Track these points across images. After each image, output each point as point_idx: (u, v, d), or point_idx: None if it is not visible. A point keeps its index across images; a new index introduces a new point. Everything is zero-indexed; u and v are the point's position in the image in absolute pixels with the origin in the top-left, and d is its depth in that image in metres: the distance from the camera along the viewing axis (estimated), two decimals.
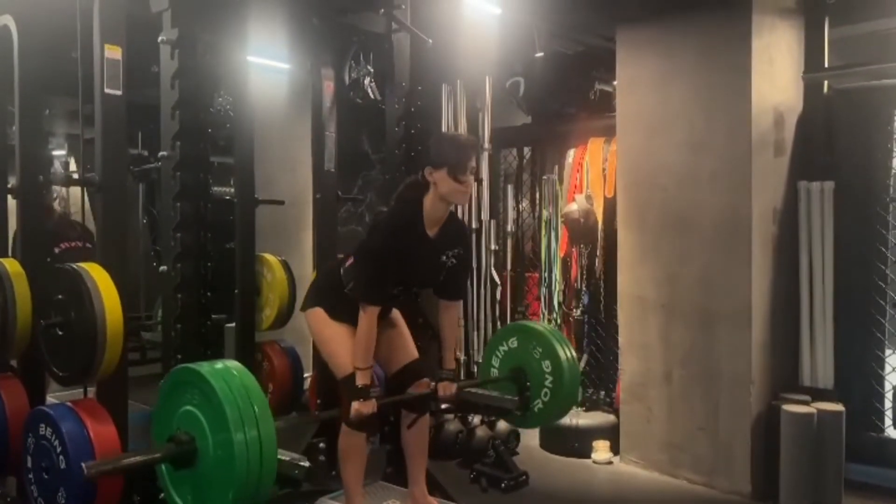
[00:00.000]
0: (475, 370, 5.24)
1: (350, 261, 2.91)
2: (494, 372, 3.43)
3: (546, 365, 3.27)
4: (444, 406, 4.49)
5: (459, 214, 5.13)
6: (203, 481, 2.13)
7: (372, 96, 4.63)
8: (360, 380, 2.75)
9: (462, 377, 5.22)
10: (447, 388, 3.01)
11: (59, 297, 2.81)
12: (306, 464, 2.42)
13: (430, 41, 3.84)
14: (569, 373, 3.26)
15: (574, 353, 3.38)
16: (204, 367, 2.17)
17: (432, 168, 2.75)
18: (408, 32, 3.74)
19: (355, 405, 2.73)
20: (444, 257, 2.89)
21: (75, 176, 6.42)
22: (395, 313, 3.11)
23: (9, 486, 3.26)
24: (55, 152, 7.78)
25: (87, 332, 2.69)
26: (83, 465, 2.06)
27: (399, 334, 3.09)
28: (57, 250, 4.38)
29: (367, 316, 2.74)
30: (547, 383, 3.26)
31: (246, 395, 2.09)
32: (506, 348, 3.42)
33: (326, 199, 3.92)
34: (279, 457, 2.59)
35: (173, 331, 2.97)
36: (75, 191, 6.63)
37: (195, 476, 2.14)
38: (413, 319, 3.25)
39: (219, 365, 2.20)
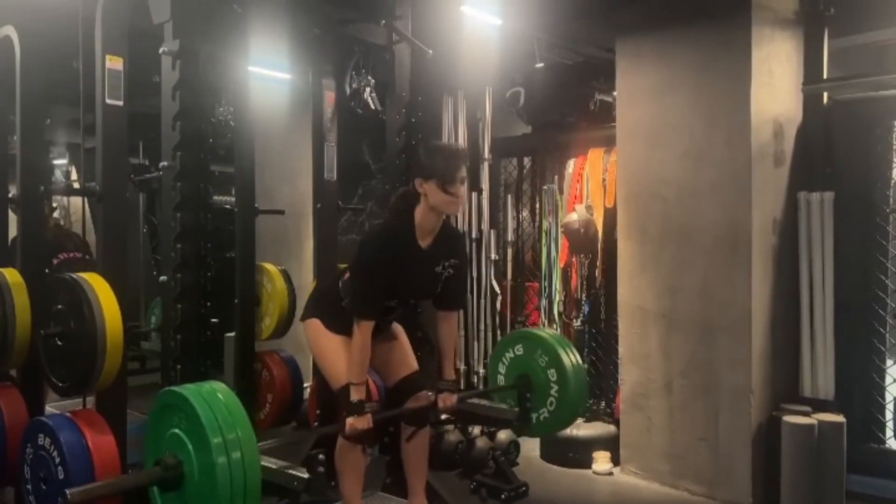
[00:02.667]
0: (475, 380, 5.23)
1: (347, 275, 2.91)
2: (501, 379, 3.43)
3: (552, 374, 3.26)
4: (443, 417, 4.50)
5: (460, 224, 5.15)
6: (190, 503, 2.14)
7: (373, 107, 4.65)
8: (355, 395, 2.73)
9: (462, 387, 5.21)
10: (447, 400, 3.00)
11: (59, 307, 2.81)
12: (305, 475, 2.42)
13: (431, 52, 3.85)
14: (574, 381, 3.26)
15: (580, 360, 3.38)
16: (188, 390, 2.18)
17: (422, 179, 2.74)
18: (408, 43, 3.75)
19: (350, 420, 2.72)
20: (440, 268, 2.88)
21: (76, 185, 6.46)
22: (396, 326, 3.10)
23: (7, 496, 3.25)
24: (56, 161, 7.81)
25: (87, 342, 2.69)
26: (66, 491, 2.04)
27: (399, 346, 3.08)
28: (55, 261, 4.38)
29: (361, 331, 2.72)
30: (552, 392, 3.26)
31: (229, 418, 2.10)
32: (512, 355, 3.42)
33: (327, 208, 3.92)
34: (277, 467, 2.60)
35: (173, 341, 2.97)
36: (76, 200, 6.66)
37: (182, 499, 2.15)
38: (412, 333, 3.24)
39: (204, 387, 2.21)
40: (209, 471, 2.06)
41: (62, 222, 6.74)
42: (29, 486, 2.78)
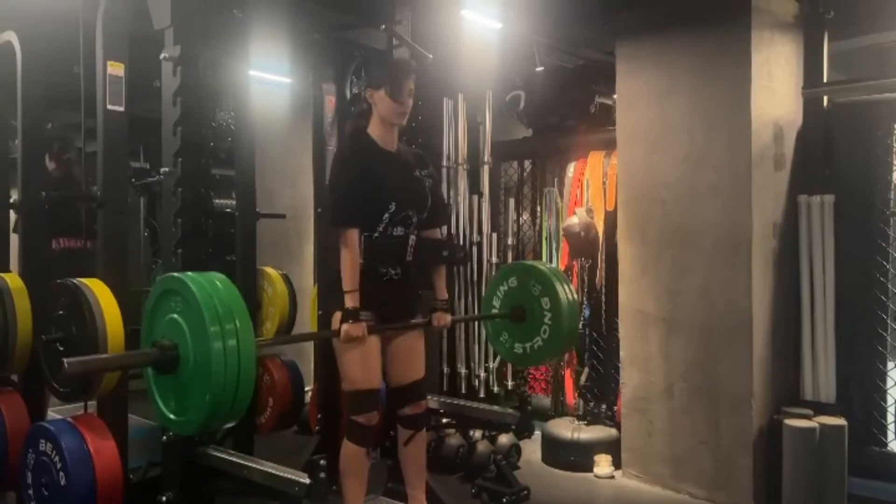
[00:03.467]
0: (476, 384, 5.23)
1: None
2: (495, 311, 3.46)
3: (545, 302, 3.29)
4: (443, 421, 4.50)
5: (460, 226, 5.16)
6: (183, 387, 2.16)
7: None
8: (349, 302, 2.71)
9: (463, 390, 5.22)
10: (441, 319, 3.01)
11: (60, 312, 2.82)
12: (306, 480, 2.42)
13: (431, 56, 3.86)
14: (567, 309, 3.30)
15: (573, 291, 3.42)
16: (189, 277, 2.19)
17: (372, 89, 2.81)
18: (408, 48, 3.76)
19: (345, 326, 2.69)
20: (419, 173, 2.91)
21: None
22: (419, 335, 3.03)
23: (8, 502, 3.25)
24: None
25: (88, 347, 2.70)
26: (64, 360, 2.06)
27: (413, 352, 3.02)
28: (55, 245, 4.34)
29: (347, 242, 2.70)
30: (546, 320, 3.28)
31: (228, 306, 2.12)
32: (506, 288, 3.45)
33: (327, 212, 3.92)
34: (279, 472, 2.60)
35: None
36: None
37: (177, 381, 2.18)
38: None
39: (205, 276, 2.22)
40: (205, 356, 2.07)
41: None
42: (30, 492, 2.80)
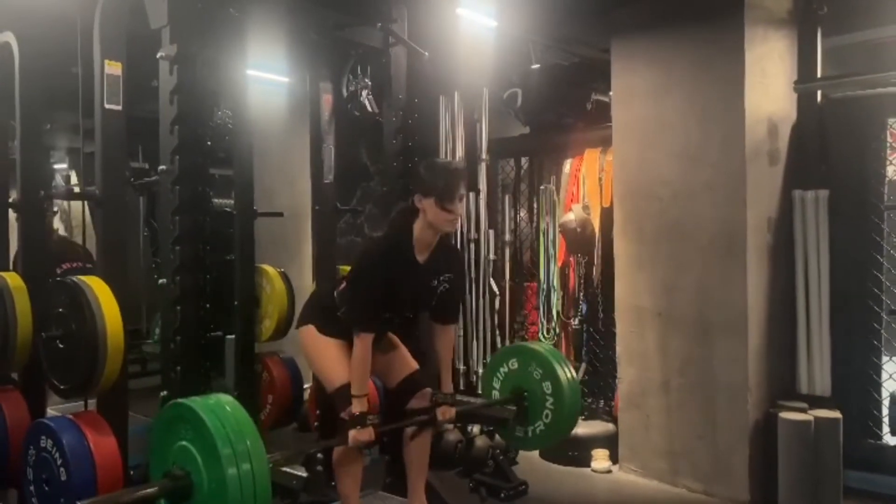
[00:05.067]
0: (474, 379, 5.26)
1: (343, 286, 2.94)
2: (496, 394, 3.45)
3: (546, 386, 3.28)
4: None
5: (457, 225, 5.17)
6: None
7: (370, 109, 4.68)
8: (357, 407, 2.75)
9: (462, 387, 5.24)
10: (446, 413, 3.03)
11: (60, 310, 2.83)
12: (304, 474, 2.44)
13: (427, 54, 3.88)
14: (569, 393, 3.27)
15: (574, 374, 3.40)
16: (196, 403, 2.20)
17: (421, 195, 2.78)
18: (405, 46, 3.78)
19: (353, 434, 2.74)
20: (436, 282, 2.92)
21: (76, 190, 6.48)
22: (389, 333, 3.12)
23: (10, 498, 3.27)
24: (56, 166, 7.83)
25: (88, 344, 2.72)
26: (78, 503, 2.07)
27: (395, 347, 3.11)
28: (59, 271, 4.41)
29: (361, 342, 2.75)
30: (548, 405, 3.27)
31: (238, 429, 2.12)
32: (506, 370, 3.42)
33: (325, 210, 3.95)
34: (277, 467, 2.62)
35: (172, 343, 3.00)
36: (76, 205, 6.68)
37: None
38: (408, 345, 3.24)
39: (211, 400, 2.23)
40: (219, 482, 2.07)
41: (63, 229, 6.75)
42: (32, 488, 2.81)
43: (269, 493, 2.13)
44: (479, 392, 5.07)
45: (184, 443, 2.17)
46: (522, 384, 3.35)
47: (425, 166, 2.88)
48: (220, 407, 2.18)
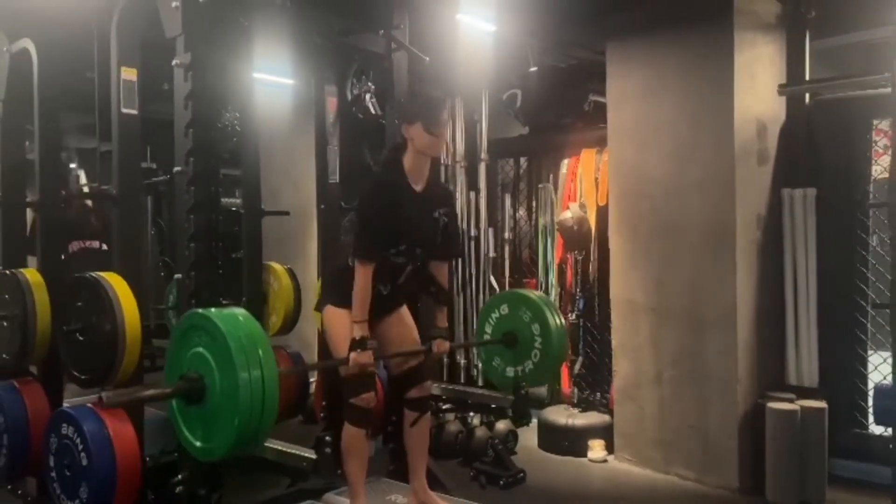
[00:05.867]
0: (475, 373, 5.40)
1: (350, 215, 3.01)
2: (487, 338, 3.65)
3: (535, 328, 3.48)
4: (444, 406, 4.67)
5: (460, 222, 5.30)
6: (210, 416, 2.30)
7: (373, 111, 4.79)
8: (358, 331, 2.85)
9: (461, 381, 5.39)
10: (441, 346, 3.15)
11: (80, 304, 2.97)
12: (313, 456, 2.56)
13: (427, 59, 4.00)
14: (556, 335, 3.50)
15: (561, 318, 3.61)
16: (213, 313, 2.34)
17: (408, 123, 2.92)
18: (406, 51, 3.90)
19: (353, 355, 2.83)
20: (437, 213, 3.04)
21: (86, 189, 6.61)
22: (404, 311, 3.22)
23: (29, 487, 3.40)
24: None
25: (108, 337, 2.86)
26: (101, 395, 2.20)
27: (407, 332, 3.20)
28: (71, 249, 4.49)
29: (362, 271, 2.84)
30: (536, 345, 3.47)
31: (251, 339, 2.26)
32: (497, 315, 3.64)
33: (330, 209, 4.06)
34: (288, 449, 2.75)
35: None
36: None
37: (203, 411, 2.31)
38: (421, 299, 3.37)
39: (226, 311, 2.37)
40: (231, 385, 2.19)
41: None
42: (53, 474, 2.94)
43: (276, 401, 2.25)
44: (479, 383, 5.24)
45: (199, 349, 2.31)
46: (513, 327, 3.56)
47: (409, 96, 3.01)
48: (234, 317, 2.32)
